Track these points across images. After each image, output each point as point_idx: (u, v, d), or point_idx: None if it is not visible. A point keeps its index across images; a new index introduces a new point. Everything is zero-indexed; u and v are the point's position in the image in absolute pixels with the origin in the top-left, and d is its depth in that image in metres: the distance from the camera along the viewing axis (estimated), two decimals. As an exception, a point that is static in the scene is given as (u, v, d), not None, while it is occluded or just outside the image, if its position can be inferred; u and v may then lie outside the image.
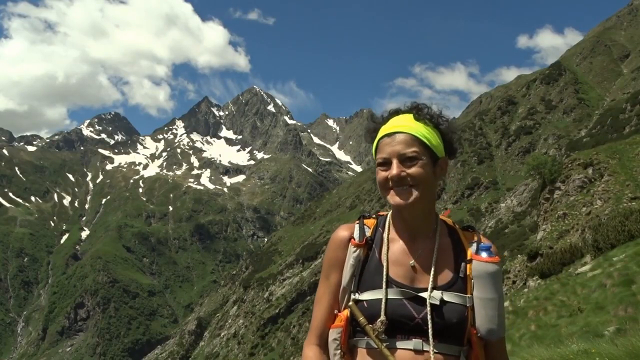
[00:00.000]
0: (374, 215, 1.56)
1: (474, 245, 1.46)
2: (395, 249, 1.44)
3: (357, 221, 1.53)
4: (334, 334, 1.43)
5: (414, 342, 1.33)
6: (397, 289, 1.38)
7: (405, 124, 1.47)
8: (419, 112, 1.50)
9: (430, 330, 1.33)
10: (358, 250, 1.45)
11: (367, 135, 1.56)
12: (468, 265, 1.42)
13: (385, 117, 1.53)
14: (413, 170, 1.41)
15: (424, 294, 1.37)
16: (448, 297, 1.37)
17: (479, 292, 1.37)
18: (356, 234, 1.49)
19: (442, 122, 1.50)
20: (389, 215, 1.55)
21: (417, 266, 1.43)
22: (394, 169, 1.41)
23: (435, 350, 1.33)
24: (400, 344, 1.34)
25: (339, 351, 1.41)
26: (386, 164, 1.44)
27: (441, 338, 1.34)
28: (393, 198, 1.41)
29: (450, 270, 1.42)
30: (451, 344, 1.35)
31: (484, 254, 1.39)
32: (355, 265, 1.44)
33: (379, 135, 1.48)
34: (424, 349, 1.33)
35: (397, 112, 1.52)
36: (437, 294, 1.37)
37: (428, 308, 1.35)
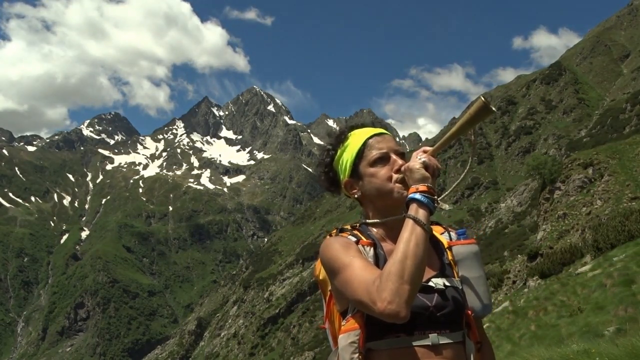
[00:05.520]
0: (349, 227, 1.52)
1: (446, 234, 1.53)
2: (389, 248, 1.43)
3: (345, 234, 1.47)
4: (350, 337, 1.33)
5: (431, 338, 1.32)
6: None
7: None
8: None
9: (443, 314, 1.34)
10: (371, 249, 1.42)
11: (326, 154, 1.57)
12: (448, 252, 1.48)
13: (345, 132, 1.56)
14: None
15: (430, 283, 1.37)
16: (447, 282, 1.41)
17: (468, 272, 1.44)
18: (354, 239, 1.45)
19: None
20: (363, 223, 1.55)
21: None
22: (400, 160, 1.45)
23: (452, 340, 1.34)
24: (418, 342, 1.32)
25: (357, 354, 1.31)
26: (384, 159, 1.46)
27: (453, 326, 1.36)
28: (401, 192, 1.42)
29: (437, 259, 1.46)
30: (459, 331, 1.37)
31: (462, 239, 1.47)
32: (374, 264, 1.39)
33: (365, 136, 1.50)
34: (441, 342, 1.32)
35: (353, 128, 1.57)
36: (439, 280, 1.39)
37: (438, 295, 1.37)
